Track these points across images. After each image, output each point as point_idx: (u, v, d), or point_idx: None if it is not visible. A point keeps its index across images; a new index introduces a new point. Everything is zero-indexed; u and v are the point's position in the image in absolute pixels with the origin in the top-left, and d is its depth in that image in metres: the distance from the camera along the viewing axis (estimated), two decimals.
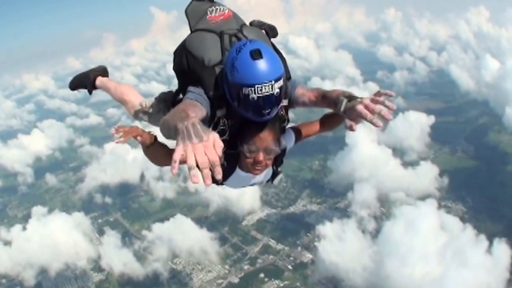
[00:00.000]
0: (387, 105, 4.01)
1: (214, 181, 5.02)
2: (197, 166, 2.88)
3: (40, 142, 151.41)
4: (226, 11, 5.88)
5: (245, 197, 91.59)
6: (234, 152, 5.07)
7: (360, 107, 4.06)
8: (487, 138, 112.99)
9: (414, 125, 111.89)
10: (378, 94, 4.21)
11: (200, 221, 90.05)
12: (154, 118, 6.44)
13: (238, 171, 5.35)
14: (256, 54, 4.37)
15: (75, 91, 8.03)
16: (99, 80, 7.39)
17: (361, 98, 4.30)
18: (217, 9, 5.88)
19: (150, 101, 6.63)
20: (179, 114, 3.71)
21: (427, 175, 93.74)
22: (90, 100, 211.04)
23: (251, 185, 5.99)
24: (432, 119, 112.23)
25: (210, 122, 4.92)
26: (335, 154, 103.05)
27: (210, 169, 2.91)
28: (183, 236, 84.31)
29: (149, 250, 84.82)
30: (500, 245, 67.23)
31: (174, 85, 5.87)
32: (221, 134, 4.71)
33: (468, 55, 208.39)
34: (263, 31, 5.89)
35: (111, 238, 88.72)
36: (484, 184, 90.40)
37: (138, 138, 4.98)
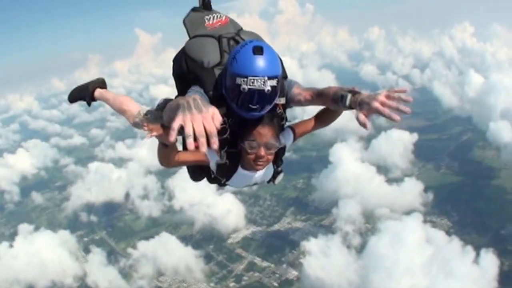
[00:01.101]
0: (403, 98, 4.16)
1: (218, 181, 5.75)
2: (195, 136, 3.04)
3: (26, 161, 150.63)
4: (223, 18, 6.11)
5: (230, 215, 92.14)
6: (236, 151, 5.25)
7: (377, 104, 4.17)
8: (471, 154, 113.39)
9: (398, 143, 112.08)
10: (392, 90, 4.31)
11: (185, 239, 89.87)
12: None
13: (240, 170, 5.51)
14: (258, 50, 4.57)
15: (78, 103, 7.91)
16: (98, 92, 7.38)
17: (369, 93, 4.50)
18: (214, 16, 6.11)
19: (148, 110, 6.20)
20: (182, 97, 3.72)
21: (412, 191, 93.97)
22: (73, 121, 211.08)
23: (254, 184, 6.06)
24: (415, 136, 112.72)
25: None
26: (319, 172, 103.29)
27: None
28: (168, 254, 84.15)
29: (134, 268, 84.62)
30: (487, 255, 67.68)
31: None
32: (222, 133, 4.86)
33: (451, 71, 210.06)
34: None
35: (97, 256, 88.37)
36: (469, 199, 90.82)
37: (172, 129, 5.06)
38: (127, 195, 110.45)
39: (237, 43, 5.45)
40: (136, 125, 6.32)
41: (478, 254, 67.63)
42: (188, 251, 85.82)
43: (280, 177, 6.13)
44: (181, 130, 3.12)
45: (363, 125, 4.26)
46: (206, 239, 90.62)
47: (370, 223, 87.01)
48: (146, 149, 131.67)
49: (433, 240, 72.28)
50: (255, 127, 5.03)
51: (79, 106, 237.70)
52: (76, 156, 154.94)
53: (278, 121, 5.28)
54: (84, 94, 7.45)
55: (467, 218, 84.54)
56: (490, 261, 67.26)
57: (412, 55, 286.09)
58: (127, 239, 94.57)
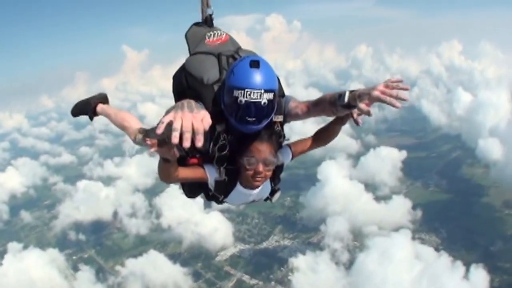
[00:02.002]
0: (401, 87, 4.30)
1: (216, 199, 5.72)
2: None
3: (15, 179, 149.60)
4: (224, 35, 6.14)
5: (218, 233, 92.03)
6: (234, 168, 5.30)
7: (377, 93, 4.31)
8: (460, 172, 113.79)
9: (386, 160, 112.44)
10: (389, 81, 4.42)
11: (174, 257, 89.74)
12: None
13: (238, 187, 5.52)
14: (255, 64, 4.67)
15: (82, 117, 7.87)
16: (100, 107, 7.43)
17: (365, 87, 4.64)
18: (215, 33, 6.14)
19: (150, 128, 6.63)
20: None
21: (400, 208, 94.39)
22: (62, 139, 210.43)
23: (251, 202, 6.02)
24: (404, 154, 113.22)
25: (210, 136, 5.08)
26: (307, 190, 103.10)
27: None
28: (156, 271, 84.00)
29: (123, 286, 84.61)
30: (477, 271, 67.84)
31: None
32: (221, 149, 5.11)
33: (439, 89, 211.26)
34: None
35: (86, 273, 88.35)
36: (458, 216, 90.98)
37: (161, 122, 5.02)
38: (115, 214, 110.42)
39: (236, 60, 5.39)
40: (137, 142, 5.88)
41: (468, 270, 67.60)
42: (177, 268, 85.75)
43: (277, 195, 6.13)
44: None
45: (366, 112, 4.52)
46: (194, 257, 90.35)
47: (358, 240, 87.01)
48: (134, 167, 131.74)
49: (422, 256, 72.43)
50: (254, 143, 5.09)
51: (67, 124, 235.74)
52: (65, 174, 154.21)
53: (276, 138, 5.33)
54: (86, 109, 7.52)
55: (456, 235, 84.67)
56: (480, 276, 67.32)
57: (399, 73, 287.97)
58: (116, 257, 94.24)
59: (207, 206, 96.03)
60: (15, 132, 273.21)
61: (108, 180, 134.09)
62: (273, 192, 6.02)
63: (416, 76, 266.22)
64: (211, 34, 6.12)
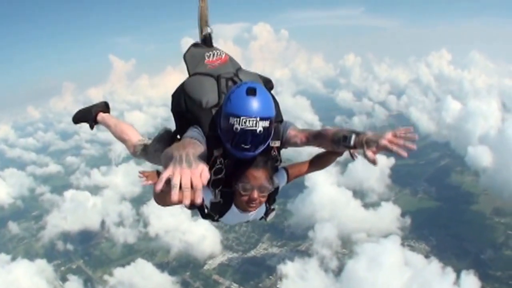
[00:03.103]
0: (409, 136, 4.31)
1: (211, 217, 5.73)
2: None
3: (2, 190, 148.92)
4: (223, 56, 6.24)
5: (206, 241, 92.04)
6: (230, 191, 5.29)
7: (385, 142, 4.31)
8: (449, 179, 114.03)
9: (374, 168, 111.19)
10: (398, 130, 4.43)
11: (162, 266, 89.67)
12: (152, 157, 6.59)
13: (233, 208, 5.52)
14: (251, 91, 4.72)
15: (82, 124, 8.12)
16: (101, 116, 7.61)
17: (374, 132, 4.62)
18: (214, 53, 6.24)
19: (148, 141, 6.76)
20: (178, 147, 3.89)
21: (389, 215, 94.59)
22: (49, 149, 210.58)
23: (246, 221, 6.08)
24: (392, 161, 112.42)
25: (207, 160, 5.06)
26: (295, 197, 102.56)
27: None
28: (145, 280, 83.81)
29: None
30: (468, 277, 67.85)
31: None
32: (217, 172, 5.14)
33: (428, 98, 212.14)
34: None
35: (74, 283, 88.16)
36: (448, 224, 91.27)
37: (160, 179, 4.73)
38: (102, 223, 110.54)
39: (235, 83, 5.54)
40: (135, 155, 6.85)
41: (458, 277, 67.67)
42: (165, 277, 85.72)
43: (272, 215, 6.10)
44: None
45: (372, 161, 4.39)
46: (182, 266, 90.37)
47: (347, 248, 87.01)
48: (121, 176, 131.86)
49: (411, 262, 72.43)
50: (249, 169, 5.09)
51: (54, 134, 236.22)
52: (52, 184, 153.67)
53: (272, 163, 5.33)
54: (87, 117, 7.73)
55: (446, 243, 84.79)
56: (471, 283, 67.18)
57: (388, 82, 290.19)
58: (104, 267, 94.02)
59: (194, 214, 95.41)
60: (2, 143, 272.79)
61: (95, 189, 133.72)
62: (268, 212, 6.00)
63: (404, 85, 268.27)
64: (210, 54, 6.19)
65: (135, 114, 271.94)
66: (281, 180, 5.78)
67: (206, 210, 5.59)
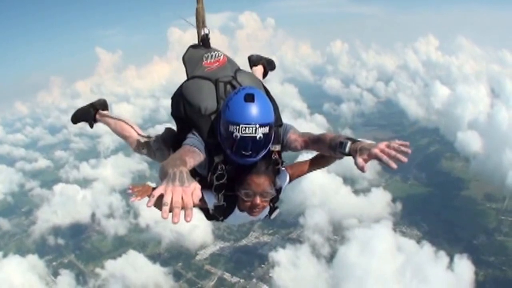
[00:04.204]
0: (402, 150, 4.18)
1: (215, 218, 5.74)
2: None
3: None
4: (221, 57, 6.18)
5: (197, 231, 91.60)
6: (233, 194, 5.26)
7: (376, 151, 4.20)
8: (439, 165, 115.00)
9: None
10: (393, 142, 4.31)
11: (153, 258, 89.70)
12: (154, 155, 6.63)
13: (236, 210, 5.52)
14: (249, 98, 4.69)
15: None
16: (100, 114, 7.59)
17: (370, 141, 4.54)
18: (212, 55, 6.20)
19: (150, 139, 6.77)
20: (174, 162, 3.98)
21: (380, 201, 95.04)
22: (37, 144, 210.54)
23: (250, 221, 6.10)
24: None
25: (208, 167, 5.18)
26: None
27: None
28: (137, 272, 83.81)
29: None
30: (461, 261, 68.15)
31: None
32: (219, 178, 5.12)
33: (416, 84, 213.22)
34: (261, 66, 6.65)
35: (66, 277, 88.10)
36: (439, 210, 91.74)
37: (151, 195, 4.32)
38: (93, 215, 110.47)
39: (233, 87, 5.50)
40: (138, 151, 6.89)
41: (452, 261, 68.06)
42: (157, 269, 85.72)
43: (276, 213, 6.06)
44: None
45: (361, 168, 4.32)
46: (174, 257, 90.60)
47: (338, 234, 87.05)
48: (110, 168, 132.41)
49: (404, 247, 72.41)
50: (251, 176, 5.07)
51: (42, 129, 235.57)
52: (41, 179, 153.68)
53: (273, 168, 5.30)
54: (86, 117, 7.71)
55: (438, 229, 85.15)
56: (465, 267, 67.34)
57: (376, 69, 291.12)
58: (95, 260, 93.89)
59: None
60: None
61: (84, 183, 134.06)
62: (271, 211, 5.94)
63: (392, 72, 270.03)
64: (208, 56, 6.17)
65: (123, 106, 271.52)
66: (283, 180, 5.73)
67: (210, 212, 5.57)
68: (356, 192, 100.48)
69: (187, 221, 3.07)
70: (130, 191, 4.66)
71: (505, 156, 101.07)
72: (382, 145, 4.23)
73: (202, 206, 5.43)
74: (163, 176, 3.60)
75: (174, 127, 6.21)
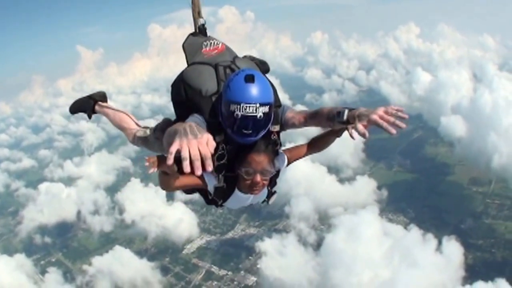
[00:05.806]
0: (400, 115, 4.36)
1: (215, 203, 5.86)
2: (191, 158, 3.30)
3: None
4: (220, 45, 6.32)
5: (183, 225, 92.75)
6: (233, 175, 5.41)
7: (375, 117, 4.36)
8: (423, 151, 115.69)
9: (348, 142, 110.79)
10: (389, 107, 4.47)
11: (140, 253, 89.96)
12: (152, 145, 6.74)
13: (236, 192, 5.63)
14: (250, 78, 4.78)
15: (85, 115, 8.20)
16: (99, 106, 7.79)
17: (365, 108, 4.72)
18: (211, 43, 6.34)
19: (147, 130, 6.91)
20: (180, 123, 4.21)
21: (365, 189, 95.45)
22: (21, 144, 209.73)
23: (249, 204, 6.18)
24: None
25: None
26: None
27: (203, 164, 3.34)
28: (124, 268, 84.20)
29: (91, 285, 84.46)
30: (450, 243, 68.43)
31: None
32: (220, 158, 5.24)
33: (398, 71, 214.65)
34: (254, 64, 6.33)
35: (53, 275, 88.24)
36: (425, 196, 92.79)
37: (169, 152, 4.48)
38: (78, 213, 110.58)
39: (233, 71, 5.60)
40: (135, 143, 7.04)
41: (440, 244, 68.11)
42: (144, 263, 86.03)
43: (274, 197, 6.25)
44: (178, 154, 3.34)
45: (362, 134, 4.42)
46: (161, 252, 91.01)
47: (324, 223, 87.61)
48: (94, 165, 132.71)
49: (391, 232, 72.60)
50: (251, 154, 5.18)
51: (26, 128, 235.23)
52: (26, 179, 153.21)
53: (272, 147, 5.40)
54: (85, 107, 7.90)
55: (425, 215, 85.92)
56: (453, 248, 67.73)
57: (357, 58, 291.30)
58: (83, 258, 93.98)
59: (169, 198, 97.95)
60: None
61: (69, 181, 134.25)
62: (270, 195, 6.12)
63: (373, 60, 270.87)
64: (207, 43, 6.29)
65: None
66: (281, 163, 5.79)
67: (210, 196, 5.72)
68: (341, 180, 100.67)
69: (208, 171, 3.28)
70: (147, 163, 4.52)
71: (489, 140, 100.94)
72: (380, 111, 4.39)
73: (203, 187, 5.51)
74: (173, 135, 3.75)
75: (168, 122, 6.30)
